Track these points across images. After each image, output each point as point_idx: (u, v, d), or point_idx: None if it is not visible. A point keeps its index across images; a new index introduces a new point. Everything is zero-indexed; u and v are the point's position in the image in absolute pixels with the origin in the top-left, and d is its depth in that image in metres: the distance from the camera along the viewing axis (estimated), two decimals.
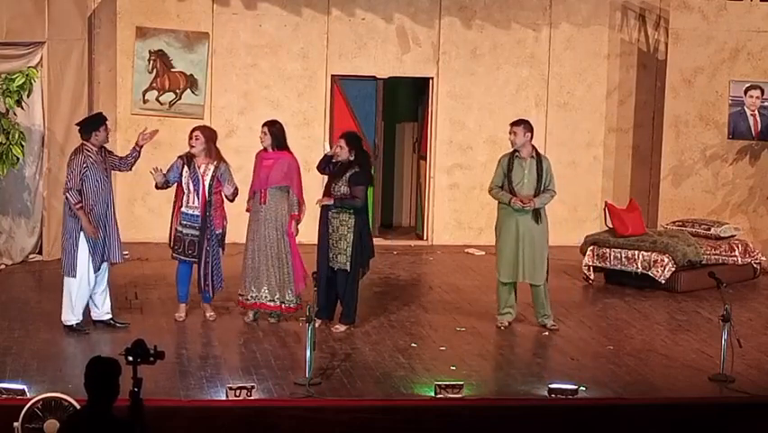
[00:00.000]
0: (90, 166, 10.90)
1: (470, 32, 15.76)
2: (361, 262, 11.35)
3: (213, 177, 11.36)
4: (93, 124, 11.15)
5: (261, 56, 15.42)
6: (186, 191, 11.37)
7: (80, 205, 10.86)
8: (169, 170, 11.42)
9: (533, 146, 11.62)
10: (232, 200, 11.47)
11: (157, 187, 11.47)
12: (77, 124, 11.34)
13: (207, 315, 11.59)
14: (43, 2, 13.51)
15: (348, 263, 11.23)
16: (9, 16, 13.26)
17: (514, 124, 11.62)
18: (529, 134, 11.56)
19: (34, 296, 12.50)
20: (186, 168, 11.36)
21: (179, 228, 11.42)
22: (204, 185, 11.32)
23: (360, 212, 11.29)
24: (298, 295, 11.47)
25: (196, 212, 11.35)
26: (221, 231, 11.49)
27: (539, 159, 11.59)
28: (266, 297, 11.45)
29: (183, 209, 11.40)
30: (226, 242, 11.68)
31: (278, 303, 11.46)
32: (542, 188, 11.53)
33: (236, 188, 11.43)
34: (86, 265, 10.94)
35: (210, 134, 11.52)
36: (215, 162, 11.40)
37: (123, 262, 11.54)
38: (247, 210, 11.56)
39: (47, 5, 13.54)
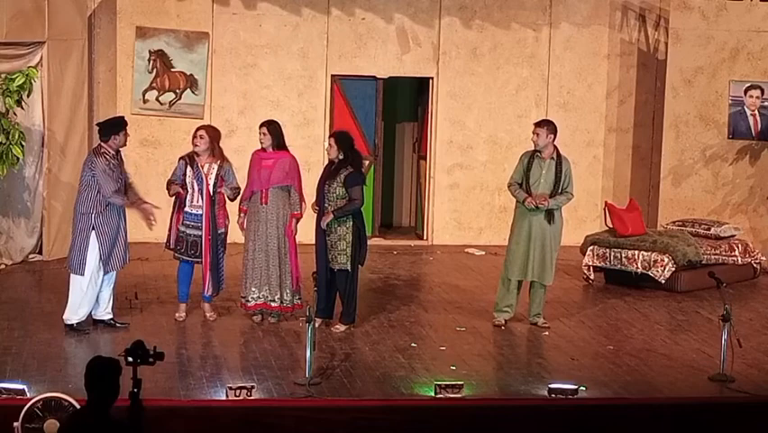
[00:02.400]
0: (108, 169, 10.89)
1: (470, 32, 15.76)
2: (360, 261, 11.38)
3: (217, 176, 11.37)
4: (114, 126, 11.09)
5: (261, 56, 15.42)
6: (190, 191, 11.36)
7: (126, 200, 10.94)
8: (173, 173, 11.44)
9: (555, 147, 11.64)
10: (233, 199, 11.47)
11: (178, 194, 11.40)
12: (97, 125, 11.33)
13: (207, 315, 11.59)
14: (43, 2, 13.51)
15: (348, 263, 11.24)
16: (9, 16, 13.25)
17: (537, 124, 11.68)
18: (552, 136, 11.60)
19: (34, 296, 12.49)
20: (188, 168, 11.36)
21: (182, 228, 11.42)
22: (208, 184, 11.33)
23: (357, 212, 11.29)
24: (295, 294, 11.47)
25: (200, 211, 11.35)
26: (223, 230, 11.50)
27: (559, 160, 11.61)
28: (267, 297, 11.45)
29: (186, 209, 11.40)
30: (230, 242, 11.68)
31: (277, 303, 11.47)
32: (559, 190, 11.55)
33: (238, 187, 11.44)
34: (95, 265, 10.93)
35: (214, 134, 11.52)
36: (218, 162, 11.41)
37: (128, 264, 11.50)
38: (241, 211, 11.51)
39: (47, 5, 13.53)
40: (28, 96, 13.41)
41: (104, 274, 10.98)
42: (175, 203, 11.48)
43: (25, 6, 13.42)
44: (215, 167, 11.39)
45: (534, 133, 11.64)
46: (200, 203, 11.33)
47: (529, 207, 11.51)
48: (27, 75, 13.34)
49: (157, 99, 15.23)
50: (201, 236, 11.35)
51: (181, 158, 11.48)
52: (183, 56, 15.21)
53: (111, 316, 11.19)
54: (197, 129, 11.58)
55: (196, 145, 11.39)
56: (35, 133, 13.72)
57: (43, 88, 13.66)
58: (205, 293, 11.50)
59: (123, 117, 11.50)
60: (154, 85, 15.22)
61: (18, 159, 13.28)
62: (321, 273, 11.20)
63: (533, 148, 11.67)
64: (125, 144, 11.14)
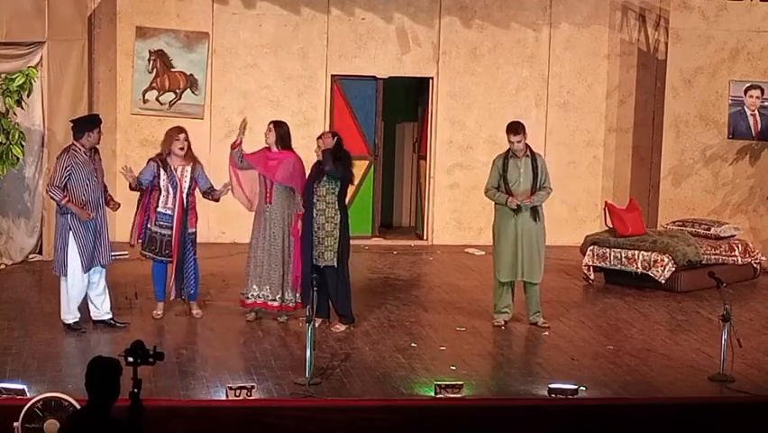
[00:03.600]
0: (75, 166, 10.86)
1: (470, 31, 15.76)
2: (347, 257, 11.37)
3: (191, 178, 11.39)
4: (87, 124, 11.11)
5: (261, 56, 15.42)
6: (164, 193, 11.35)
7: (66, 198, 10.84)
8: (141, 173, 11.37)
9: (527, 145, 11.66)
10: (217, 200, 11.52)
11: (130, 188, 11.40)
12: (71, 121, 11.31)
13: (194, 312, 11.61)
14: (43, 2, 13.51)
15: (334, 259, 11.23)
16: (9, 16, 13.26)
17: (512, 132, 11.55)
18: (526, 135, 11.62)
19: (34, 296, 12.49)
20: (162, 170, 11.34)
21: (155, 228, 11.42)
22: (182, 187, 11.34)
23: (344, 209, 11.31)
24: (296, 293, 11.47)
25: (171, 212, 11.35)
26: (194, 230, 11.51)
27: (533, 157, 11.63)
28: (267, 296, 11.46)
29: (159, 209, 11.39)
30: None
31: (278, 303, 11.48)
32: (538, 186, 11.57)
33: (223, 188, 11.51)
34: (77, 265, 10.93)
35: (186, 137, 11.52)
36: (191, 164, 11.42)
37: (112, 263, 11.47)
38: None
39: (47, 5, 13.53)
40: (28, 96, 13.42)
41: (84, 273, 10.96)
42: (139, 203, 11.45)
43: (25, 6, 13.42)
44: (189, 169, 11.40)
45: (510, 142, 11.51)
46: (173, 205, 11.32)
47: (512, 207, 11.50)
48: (27, 75, 13.35)
49: (157, 99, 15.24)
50: (173, 236, 11.37)
51: (152, 160, 11.45)
52: (183, 56, 15.22)
53: (111, 316, 11.19)
54: (180, 132, 11.46)
55: (181, 149, 11.36)
56: (35, 133, 13.72)
57: (43, 88, 13.67)
58: (183, 292, 11.51)
59: (97, 115, 11.51)
60: (154, 85, 15.22)
61: (18, 159, 13.29)
62: (306, 271, 11.15)
63: (504, 151, 11.65)
64: (98, 142, 11.09)
